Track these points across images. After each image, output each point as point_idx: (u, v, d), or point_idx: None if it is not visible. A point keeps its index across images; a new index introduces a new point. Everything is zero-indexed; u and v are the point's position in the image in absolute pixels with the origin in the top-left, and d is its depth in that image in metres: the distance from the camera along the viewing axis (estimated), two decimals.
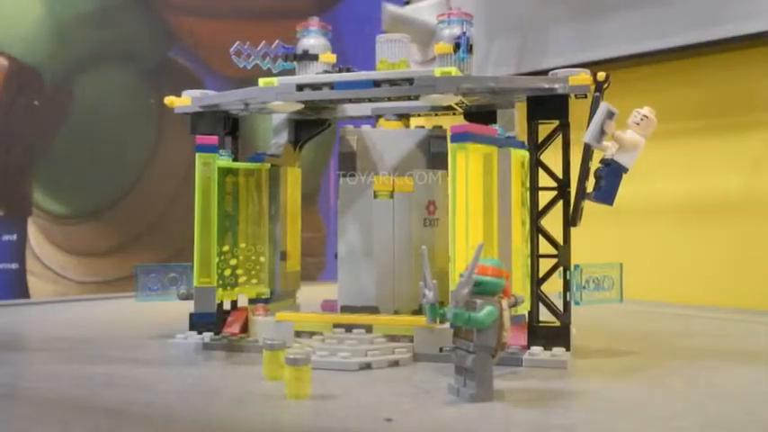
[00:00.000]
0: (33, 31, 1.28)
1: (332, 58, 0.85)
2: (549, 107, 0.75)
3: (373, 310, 0.79)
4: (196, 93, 0.85)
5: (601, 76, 0.73)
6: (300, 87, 0.78)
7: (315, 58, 0.85)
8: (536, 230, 0.75)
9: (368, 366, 0.70)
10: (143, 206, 1.39)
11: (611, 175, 0.73)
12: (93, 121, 1.34)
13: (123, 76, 1.39)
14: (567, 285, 0.74)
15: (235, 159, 0.85)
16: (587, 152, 0.73)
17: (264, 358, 0.65)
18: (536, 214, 0.75)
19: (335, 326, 0.77)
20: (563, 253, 0.75)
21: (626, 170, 0.73)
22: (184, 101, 0.84)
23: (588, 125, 0.72)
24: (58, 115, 1.31)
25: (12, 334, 0.97)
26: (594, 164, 0.74)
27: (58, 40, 1.30)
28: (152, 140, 1.40)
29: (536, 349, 0.73)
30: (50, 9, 1.30)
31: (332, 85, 0.77)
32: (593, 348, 0.79)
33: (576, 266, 0.74)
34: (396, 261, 0.80)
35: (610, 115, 0.71)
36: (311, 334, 0.77)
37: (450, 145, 0.68)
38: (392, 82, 0.76)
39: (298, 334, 0.78)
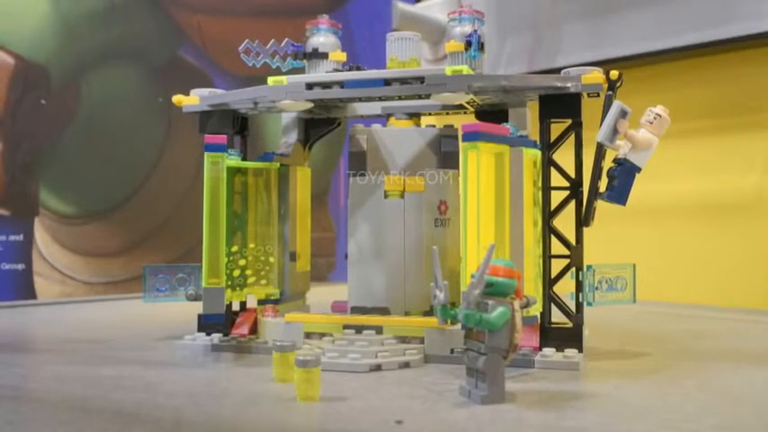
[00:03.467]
0: (40, 29, 1.28)
1: (342, 56, 0.85)
2: (561, 106, 0.74)
3: (384, 311, 0.79)
4: (205, 91, 0.84)
5: (614, 74, 0.73)
6: (310, 86, 0.77)
7: (324, 56, 0.84)
8: (548, 230, 0.75)
9: (378, 368, 0.69)
10: (151, 206, 1.39)
11: (624, 174, 0.72)
12: (101, 120, 1.34)
13: (131, 74, 1.39)
14: (579, 286, 0.74)
15: (244, 159, 0.85)
16: (600, 151, 0.73)
17: (274, 360, 0.64)
18: (548, 214, 0.75)
19: (345, 327, 0.77)
20: (575, 253, 0.74)
21: (639, 170, 0.72)
22: (193, 99, 0.84)
23: (601, 124, 0.71)
24: (64, 114, 1.30)
25: (18, 335, 0.96)
26: (607, 163, 0.73)
27: (64, 38, 1.30)
28: (160, 139, 1.40)
29: (548, 351, 0.72)
30: (57, 6, 1.30)
31: (342, 84, 0.77)
32: (605, 350, 0.79)
33: (589, 267, 0.74)
34: (406, 261, 0.79)
35: (623, 114, 0.71)
36: (321, 335, 0.77)
37: (461, 144, 0.67)
38: (403, 80, 0.75)
39: (307, 335, 0.77)
